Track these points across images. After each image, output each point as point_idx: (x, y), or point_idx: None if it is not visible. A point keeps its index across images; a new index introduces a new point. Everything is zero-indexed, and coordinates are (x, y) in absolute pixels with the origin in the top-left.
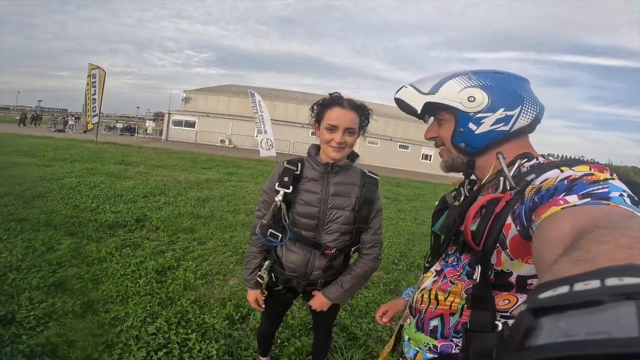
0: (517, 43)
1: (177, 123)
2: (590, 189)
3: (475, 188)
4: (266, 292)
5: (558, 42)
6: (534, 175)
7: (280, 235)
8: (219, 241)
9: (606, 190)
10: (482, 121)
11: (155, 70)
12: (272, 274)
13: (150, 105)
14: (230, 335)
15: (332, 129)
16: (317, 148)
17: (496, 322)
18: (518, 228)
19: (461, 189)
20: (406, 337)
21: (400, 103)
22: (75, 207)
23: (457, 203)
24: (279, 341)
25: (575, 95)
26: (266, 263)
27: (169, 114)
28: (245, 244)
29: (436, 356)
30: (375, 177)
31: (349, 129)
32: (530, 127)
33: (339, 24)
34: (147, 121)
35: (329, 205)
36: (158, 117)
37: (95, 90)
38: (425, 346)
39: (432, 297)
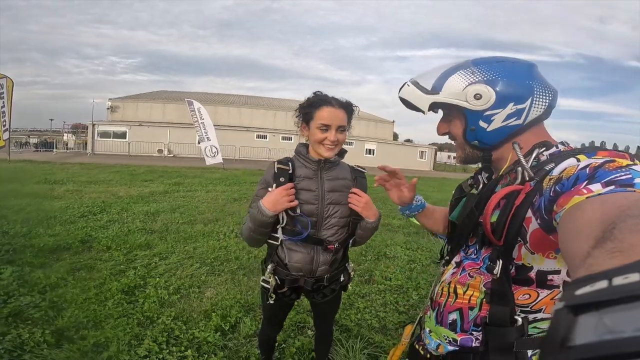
0: (441, 41)
1: (104, 134)
2: (613, 176)
3: (493, 177)
4: (274, 296)
5: (472, 39)
6: (553, 165)
7: (303, 229)
8: (182, 254)
9: (629, 176)
10: (492, 118)
11: (71, 78)
12: (277, 277)
13: (66, 116)
14: (226, 346)
15: (325, 128)
16: (306, 147)
17: (515, 317)
18: (539, 221)
19: (479, 177)
20: (427, 330)
21: (404, 102)
22: (3, 233)
23: (474, 191)
24: (276, 344)
25: None
26: (269, 267)
27: (94, 125)
28: (212, 254)
29: (457, 349)
30: (363, 170)
31: (340, 127)
32: (546, 114)
33: (278, 27)
34: (65, 134)
35: (326, 202)
36: (78, 129)
37: (3, 103)
38: (446, 339)
39: (451, 290)
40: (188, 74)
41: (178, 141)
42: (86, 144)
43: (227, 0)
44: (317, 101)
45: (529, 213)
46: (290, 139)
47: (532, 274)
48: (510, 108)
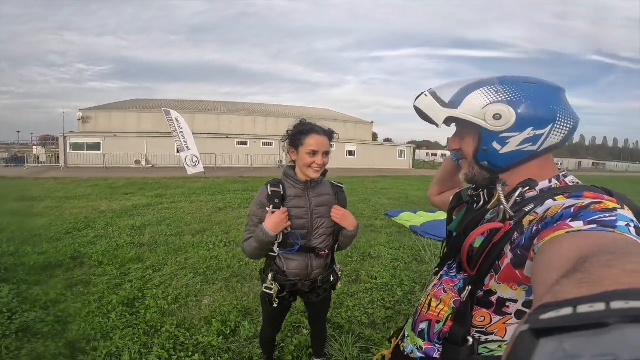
0: (414, 40)
1: (77, 147)
2: (597, 217)
3: (489, 206)
4: (277, 301)
5: (444, 38)
6: (533, 206)
7: (295, 241)
8: (175, 265)
9: (613, 219)
10: (507, 141)
11: (37, 87)
12: (277, 283)
13: (34, 128)
14: (230, 349)
15: (314, 153)
16: (292, 169)
17: (468, 338)
18: (511, 256)
19: (480, 193)
20: (406, 333)
21: (419, 112)
22: None
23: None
24: (276, 344)
25: None
26: (270, 275)
27: (65, 137)
28: (204, 264)
29: (423, 356)
30: (341, 185)
31: (326, 152)
32: (562, 143)
33: (254, 30)
34: (35, 147)
35: (315, 215)
36: (47, 141)
37: None
38: (415, 345)
39: (427, 302)
40: (160, 80)
41: (156, 151)
42: (58, 157)
43: (200, 5)
44: (306, 129)
45: (507, 250)
46: (271, 144)
47: (494, 299)
48: (528, 133)
